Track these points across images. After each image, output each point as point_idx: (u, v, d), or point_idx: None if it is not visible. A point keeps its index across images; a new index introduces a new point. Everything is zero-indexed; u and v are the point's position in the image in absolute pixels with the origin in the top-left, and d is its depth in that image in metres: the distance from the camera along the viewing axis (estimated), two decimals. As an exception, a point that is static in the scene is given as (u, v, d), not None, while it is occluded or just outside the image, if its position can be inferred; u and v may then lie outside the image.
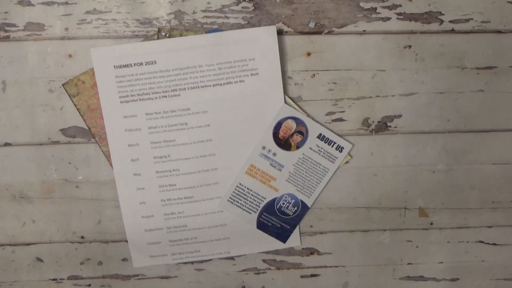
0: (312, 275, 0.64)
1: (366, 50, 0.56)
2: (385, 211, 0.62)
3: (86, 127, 0.56)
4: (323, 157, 0.58)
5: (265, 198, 0.59)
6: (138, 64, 0.54)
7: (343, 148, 0.58)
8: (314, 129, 0.57)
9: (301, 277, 0.64)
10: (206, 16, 0.54)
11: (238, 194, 0.58)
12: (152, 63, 0.54)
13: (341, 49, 0.56)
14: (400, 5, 0.55)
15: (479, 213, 0.63)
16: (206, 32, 0.54)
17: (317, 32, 0.55)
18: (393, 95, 0.58)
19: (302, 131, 0.57)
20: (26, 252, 0.61)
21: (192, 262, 0.62)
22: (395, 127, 0.59)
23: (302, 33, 0.55)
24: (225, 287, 0.63)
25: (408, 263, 0.64)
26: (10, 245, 0.60)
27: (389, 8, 0.55)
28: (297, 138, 0.57)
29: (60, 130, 0.57)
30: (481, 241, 0.64)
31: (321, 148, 0.58)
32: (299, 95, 0.57)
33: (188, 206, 0.58)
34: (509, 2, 0.56)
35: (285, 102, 0.56)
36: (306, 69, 0.56)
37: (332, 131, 0.58)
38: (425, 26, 0.56)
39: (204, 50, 0.54)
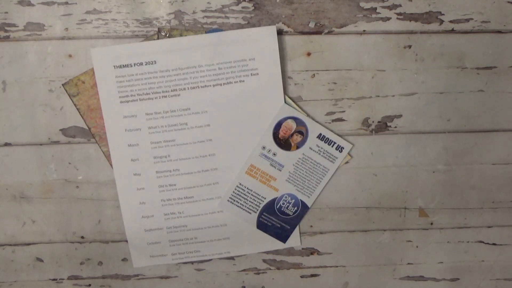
0: (312, 275, 0.64)
1: (366, 50, 0.56)
2: (385, 211, 0.62)
3: (86, 127, 0.56)
4: (323, 157, 0.58)
5: (265, 198, 0.59)
6: (138, 64, 0.54)
7: (343, 148, 0.58)
8: (314, 129, 0.57)
9: (301, 277, 0.64)
10: (206, 16, 0.54)
11: (238, 194, 0.58)
12: (152, 63, 0.54)
13: (341, 49, 0.56)
14: (400, 5, 0.55)
15: (479, 213, 0.63)
16: (206, 32, 0.54)
17: (317, 32, 0.55)
18: (393, 95, 0.58)
19: (302, 131, 0.57)
20: (26, 252, 0.61)
21: (192, 262, 0.62)
22: (395, 127, 0.59)
23: (302, 33, 0.55)
24: (225, 287, 0.63)
25: (408, 263, 0.64)
26: (10, 245, 0.60)
27: (389, 8, 0.55)
28: (297, 138, 0.57)
29: (60, 130, 0.57)
30: (481, 241, 0.64)
31: (321, 148, 0.58)
32: (299, 95, 0.57)
33: (188, 206, 0.58)
34: (509, 2, 0.56)
35: (285, 102, 0.56)
36: (306, 69, 0.56)
37: (332, 131, 0.58)
38: (425, 26, 0.56)
39: (204, 50, 0.54)
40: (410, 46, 0.56)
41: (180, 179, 0.57)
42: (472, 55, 0.57)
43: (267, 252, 0.62)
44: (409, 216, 0.62)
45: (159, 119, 0.55)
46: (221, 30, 0.54)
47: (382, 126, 0.59)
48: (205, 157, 0.57)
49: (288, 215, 0.60)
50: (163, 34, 0.54)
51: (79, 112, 0.56)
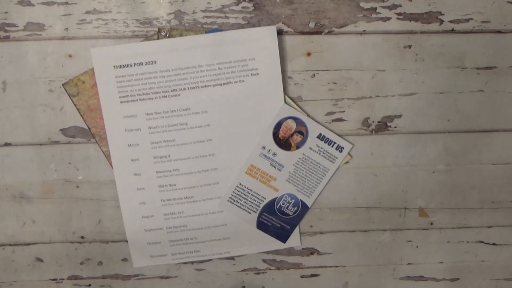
0: (312, 275, 0.64)
1: (366, 50, 0.56)
2: (385, 211, 0.62)
3: (86, 127, 0.56)
4: (323, 157, 0.58)
5: (265, 198, 0.59)
6: (138, 64, 0.54)
7: (343, 148, 0.58)
8: (314, 129, 0.57)
9: (301, 277, 0.64)
10: (206, 16, 0.54)
11: (238, 194, 0.58)
12: (152, 63, 0.54)
13: (341, 49, 0.56)
14: (400, 5, 0.55)
15: (479, 213, 0.63)
16: (206, 32, 0.54)
17: (317, 32, 0.55)
18: (393, 95, 0.58)
19: (302, 131, 0.57)
20: (26, 252, 0.61)
21: (192, 262, 0.62)
22: (395, 127, 0.59)
23: (302, 33, 0.55)
24: (225, 287, 0.63)
25: (408, 263, 0.64)
26: (10, 245, 0.60)
27: (389, 8, 0.55)
28: (297, 138, 0.57)
29: (60, 130, 0.57)
30: (481, 241, 0.64)
31: (321, 148, 0.58)
32: (299, 95, 0.57)
33: (188, 206, 0.58)
34: (509, 2, 0.56)
35: (285, 102, 0.56)
36: (306, 69, 0.56)
37: (332, 131, 0.58)
38: (425, 26, 0.56)
39: (204, 50, 0.54)
40: (410, 46, 0.56)
41: (180, 179, 0.57)
42: (472, 55, 0.57)
43: (267, 252, 0.62)
44: (409, 216, 0.62)
45: (159, 119, 0.55)
46: (221, 30, 0.54)
47: (382, 126, 0.59)
48: (205, 157, 0.57)
49: (288, 215, 0.60)
50: (163, 34, 0.54)
51: (79, 112, 0.56)
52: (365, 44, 0.56)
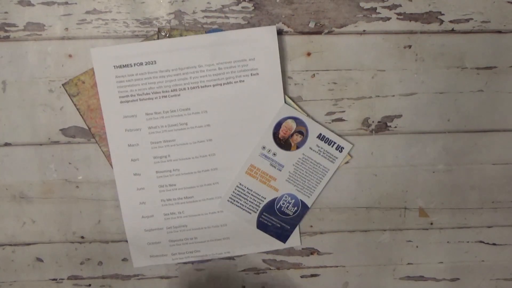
0: (312, 275, 0.64)
1: (366, 50, 0.56)
2: (385, 211, 0.62)
3: (86, 127, 0.56)
4: (323, 157, 0.58)
5: (265, 198, 0.59)
6: (138, 64, 0.54)
7: (343, 148, 0.58)
8: (314, 129, 0.57)
9: (301, 277, 0.64)
10: (206, 16, 0.54)
11: (238, 194, 0.58)
12: (152, 63, 0.54)
13: (341, 49, 0.56)
14: (400, 5, 0.55)
15: (479, 213, 0.63)
16: (206, 32, 0.54)
17: (317, 32, 0.55)
18: (393, 95, 0.58)
19: (302, 131, 0.57)
20: (26, 252, 0.61)
21: (192, 262, 0.62)
22: (395, 127, 0.59)
23: (302, 33, 0.55)
24: (225, 287, 0.63)
25: (408, 263, 0.64)
26: (10, 245, 0.60)
27: (389, 8, 0.55)
28: (297, 138, 0.57)
29: (60, 130, 0.57)
30: (481, 241, 0.64)
31: (321, 148, 0.58)
32: (299, 95, 0.57)
33: (188, 206, 0.58)
34: (509, 2, 0.56)
35: (285, 102, 0.56)
36: (306, 69, 0.56)
37: (332, 131, 0.58)
38: (425, 26, 0.56)
39: (204, 50, 0.54)
40: (410, 46, 0.56)
41: (180, 179, 0.57)
42: (472, 55, 0.57)
43: (267, 252, 0.62)
44: (409, 216, 0.62)
45: (159, 119, 0.55)
46: (221, 30, 0.54)
47: (382, 126, 0.59)
48: (205, 157, 0.57)
49: (288, 215, 0.60)
50: (163, 34, 0.54)
51: (79, 112, 0.56)
52: (365, 44, 0.56)
